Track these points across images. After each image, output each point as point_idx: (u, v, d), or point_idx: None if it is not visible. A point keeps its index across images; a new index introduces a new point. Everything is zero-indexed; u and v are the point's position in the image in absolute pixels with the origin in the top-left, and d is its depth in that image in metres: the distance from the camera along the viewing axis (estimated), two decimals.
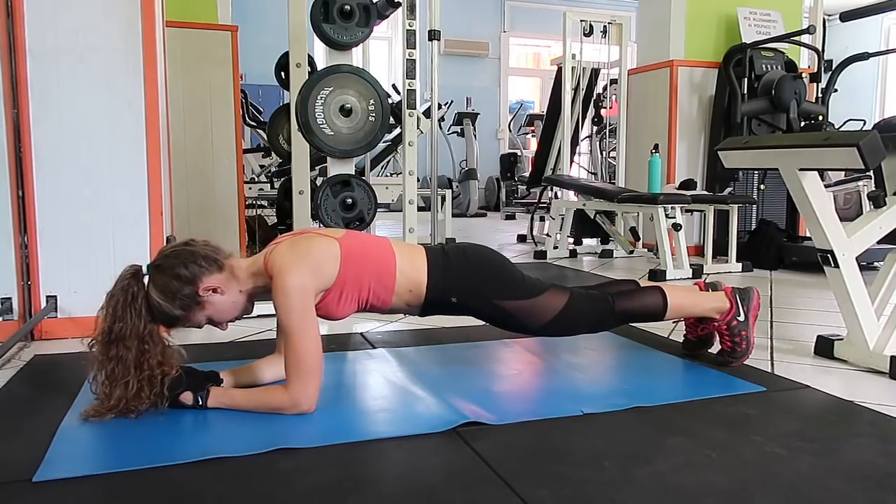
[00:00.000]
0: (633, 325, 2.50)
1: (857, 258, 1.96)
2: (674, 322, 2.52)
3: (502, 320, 1.82)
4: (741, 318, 1.92)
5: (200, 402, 1.52)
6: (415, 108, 2.88)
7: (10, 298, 2.27)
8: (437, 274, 1.72)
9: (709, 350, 2.06)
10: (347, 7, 2.72)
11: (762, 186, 4.53)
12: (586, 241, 5.31)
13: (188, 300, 1.53)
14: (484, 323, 2.57)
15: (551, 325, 1.81)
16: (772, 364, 2.03)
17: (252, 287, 1.62)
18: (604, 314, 1.87)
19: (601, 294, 1.91)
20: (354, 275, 1.63)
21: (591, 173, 6.53)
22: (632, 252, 4.70)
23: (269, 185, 5.82)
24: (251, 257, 1.65)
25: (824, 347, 2.11)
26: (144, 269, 1.54)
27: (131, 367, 1.46)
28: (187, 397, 1.51)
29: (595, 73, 5.37)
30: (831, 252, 1.95)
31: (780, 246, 4.19)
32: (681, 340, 2.15)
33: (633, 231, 4.85)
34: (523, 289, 1.80)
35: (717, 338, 1.98)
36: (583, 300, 1.85)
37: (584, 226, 4.95)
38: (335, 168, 2.82)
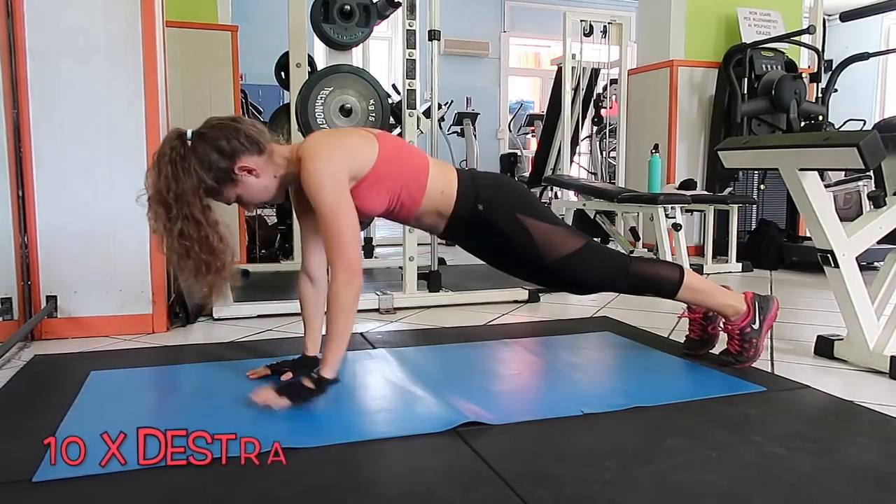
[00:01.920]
0: (633, 324, 2.50)
1: (857, 258, 1.96)
2: (678, 318, 2.52)
3: (519, 243, 1.78)
4: (755, 325, 1.91)
5: (316, 378, 1.52)
6: (415, 108, 2.88)
7: (10, 298, 2.27)
8: (466, 182, 1.75)
9: (710, 351, 2.06)
10: (347, 7, 2.72)
11: (762, 186, 4.53)
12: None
13: (222, 174, 1.53)
14: (484, 323, 2.57)
15: (563, 262, 1.78)
16: (772, 364, 2.03)
17: (285, 172, 1.62)
18: (618, 270, 1.85)
19: (619, 252, 1.95)
20: (390, 166, 1.64)
21: (591, 173, 6.53)
22: (632, 252, 4.69)
23: None
24: (289, 145, 1.66)
25: (824, 347, 2.11)
26: (189, 134, 1.53)
27: (203, 220, 1.47)
28: (308, 381, 1.51)
29: (595, 73, 5.37)
30: (831, 252, 1.94)
31: (780, 246, 4.19)
32: (681, 340, 2.15)
33: (633, 231, 4.85)
34: (546, 213, 1.82)
35: (726, 339, 1.97)
36: (600, 250, 1.87)
37: (584, 226, 4.94)
38: None
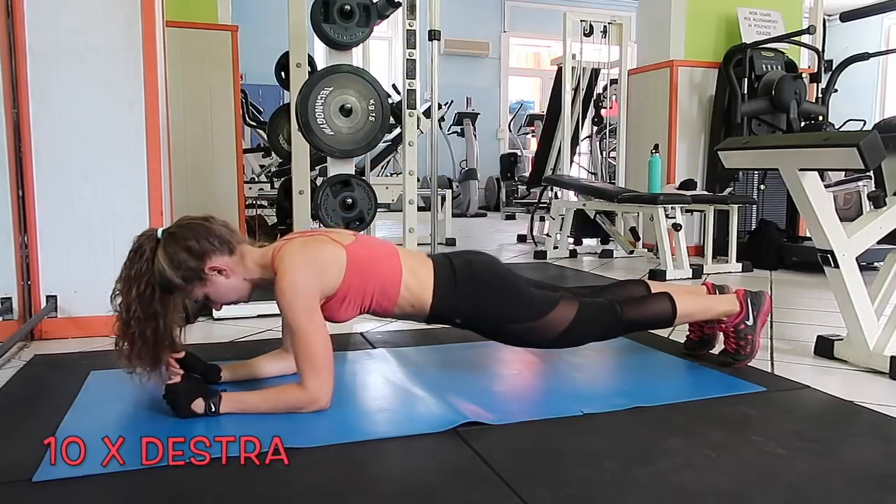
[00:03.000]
0: None
1: (857, 258, 1.96)
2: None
3: (508, 340, 1.83)
4: (749, 322, 1.91)
5: (213, 409, 1.50)
6: (415, 108, 2.88)
7: (10, 298, 2.27)
8: (442, 295, 1.70)
9: (710, 350, 2.06)
10: (347, 7, 2.71)
11: (762, 186, 4.53)
12: (586, 241, 5.31)
13: (192, 274, 1.55)
14: None
15: (557, 341, 1.80)
16: (772, 364, 2.03)
17: (257, 278, 1.64)
18: (611, 324, 1.85)
19: (609, 303, 1.86)
20: (359, 282, 1.64)
21: (591, 173, 6.53)
22: (632, 252, 4.69)
23: (269, 185, 5.82)
24: (262, 248, 1.67)
25: (824, 347, 2.11)
26: (159, 234, 1.56)
27: (128, 319, 1.52)
28: (198, 405, 1.50)
29: (595, 74, 5.37)
30: (831, 252, 1.94)
31: (780, 246, 4.18)
32: (681, 340, 2.16)
33: (633, 231, 4.85)
34: (531, 310, 1.76)
35: (723, 338, 1.97)
36: (590, 312, 1.81)
37: (584, 226, 4.95)
38: (335, 168, 2.82)
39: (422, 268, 1.72)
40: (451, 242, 5.29)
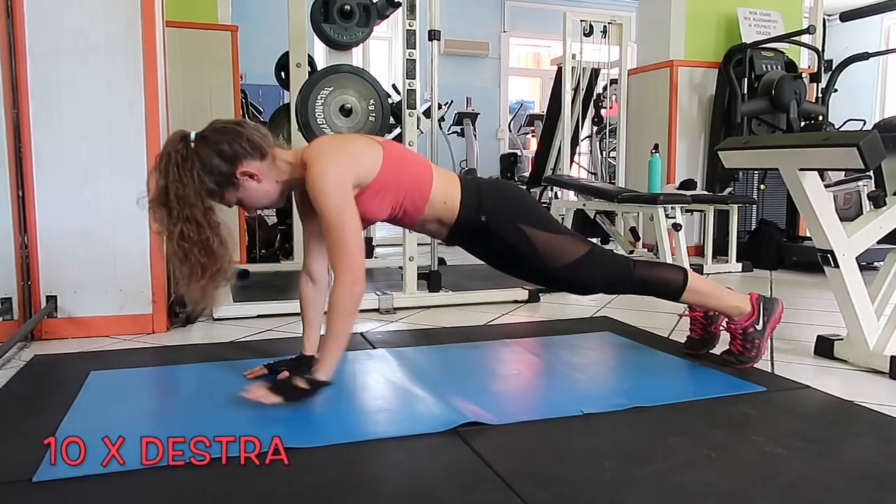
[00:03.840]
0: (634, 324, 2.50)
1: (857, 258, 1.96)
2: (678, 318, 2.52)
3: (522, 252, 1.80)
4: (759, 326, 1.91)
5: (312, 379, 1.51)
6: (415, 108, 2.88)
7: (10, 298, 2.27)
8: (470, 191, 1.76)
9: (710, 350, 2.06)
10: (347, 7, 2.72)
11: (762, 186, 4.53)
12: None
13: (224, 178, 1.54)
14: (484, 323, 2.58)
15: (567, 270, 1.80)
16: (772, 364, 2.03)
17: (289, 178, 1.63)
18: (621, 275, 1.86)
19: (622, 256, 1.93)
20: (393, 177, 1.65)
21: (591, 173, 6.53)
22: (632, 252, 4.69)
23: None
24: (294, 150, 1.66)
25: (824, 347, 2.11)
26: (192, 136, 1.54)
27: (204, 223, 1.48)
28: (302, 382, 1.50)
29: (595, 73, 5.37)
30: (831, 252, 1.94)
31: (780, 246, 4.19)
32: (681, 340, 2.16)
33: (633, 231, 4.85)
34: (549, 223, 1.83)
35: (729, 338, 1.97)
36: (602, 255, 1.87)
37: (584, 226, 4.95)
38: None
39: (450, 176, 1.79)
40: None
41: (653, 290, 1.92)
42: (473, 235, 1.81)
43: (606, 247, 4.79)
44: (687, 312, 2.06)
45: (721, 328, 2.01)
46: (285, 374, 1.72)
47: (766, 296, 1.96)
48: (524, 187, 6.79)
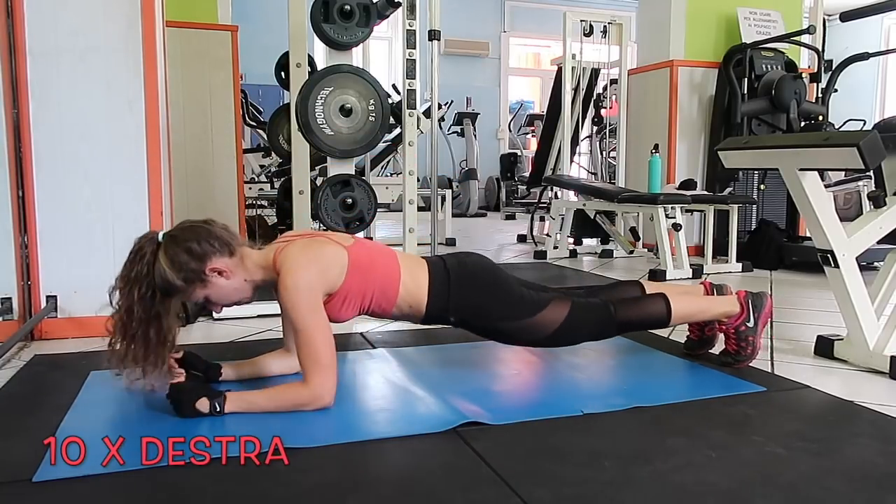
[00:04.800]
0: None
1: (857, 258, 1.96)
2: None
3: (501, 338, 1.85)
4: (750, 323, 1.91)
5: (218, 409, 1.50)
6: (415, 108, 2.88)
7: (10, 298, 2.27)
8: (437, 294, 1.73)
9: (710, 350, 2.06)
10: (347, 7, 2.71)
11: (762, 186, 4.53)
12: (586, 241, 5.31)
13: (193, 275, 1.56)
14: None
15: (550, 340, 1.82)
16: (772, 364, 2.03)
17: (258, 279, 1.65)
18: (604, 325, 1.86)
19: (602, 303, 1.88)
20: (359, 283, 1.65)
21: (591, 173, 6.53)
22: (632, 252, 4.70)
23: (269, 185, 5.82)
24: (262, 250, 1.68)
25: (824, 347, 2.11)
26: (160, 237, 1.57)
27: (127, 321, 1.53)
28: (203, 404, 1.50)
29: (595, 73, 5.37)
30: (831, 252, 1.94)
31: (780, 246, 4.18)
32: (681, 340, 2.16)
33: (633, 231, 4.85)
34: (522, 309, 1.78)
35: (724, 339, 1.97)
36: (583, 312, 1.83)
37: (584, 226, 4.95)
38: (335, 168, 2.82)
39: (418, 269, 1.75)
40: (451, 242, 5.29)
41: (639, 327, 1.95)
42: (448, 324, 1.81)
43: (606, 246, 4.81)
44: None
45: (716, 329, 2.01)
46: (181, 379, 1.66)
47: (754, 292, 1.96)
48: (525, 187, 6.81)
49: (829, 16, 6.17)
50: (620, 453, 1.34)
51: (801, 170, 1.93)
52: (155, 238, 1.57)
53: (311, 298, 1.56)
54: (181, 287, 1.56)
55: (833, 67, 4.50)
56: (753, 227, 4.53)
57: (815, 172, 1.97)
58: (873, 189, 2.20)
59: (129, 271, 1.55)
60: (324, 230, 2.52)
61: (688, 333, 2.10)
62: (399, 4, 2.81)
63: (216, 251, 1.57)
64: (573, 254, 4.74)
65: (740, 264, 4.03)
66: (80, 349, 2.16)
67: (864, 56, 4.29)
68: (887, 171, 2.06)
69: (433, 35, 2.88)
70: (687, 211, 4.13)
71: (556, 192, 5.13)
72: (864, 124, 6.96)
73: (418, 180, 3.16)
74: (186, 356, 1.71)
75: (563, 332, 1.80)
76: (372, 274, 1.68)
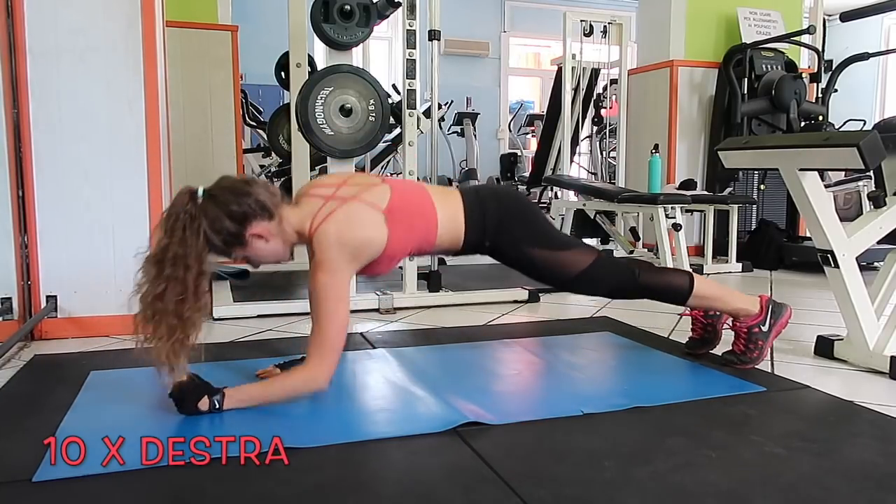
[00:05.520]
0: (634, 324, 2.50)
1: (857, 258, 1.96)
2: (678, 318, 2.52)
3: (528, 267, 1.87)
4: (765, 328, 1.91)
5: (217, 406, 1.50)
6: (415, 108, 2.88)
7: (10, 298, 2.27)
8: (473, 218, 1.77)
9: (711, 350, 2.06)
10: (347, 7, 2.72)
11: (762, 186, 4.53)
12: (586, 241, 5.30)
13: (232, 238, 1.54)
14: (484, 323, 2.58)
15: (574, 281, 1.86)
16: (772, 364, 2.03)
17: (295, 241, 1.65)
18: (626, 281, 1.90)
19: (628, 263, 1.97)
20: (401, 241, 1.68)
21: (591, 173, 6.53)
22: (632, 252, 4.69)
23: None
24: (300, 210, 1.63)
25: (824, 347, 2.11)
26: (200, 192, 1.51)
27: (191, 288, 1.44)
28: (204, 403, 1.50)
29: (595, 73, 5.37)
30: (831, 252, 1.94)
31: (780, 246, 4.18)
32: (681, 340, 2.16)
33: (633, 231, 4.85)
34: (553, 240, 1.86)
35: (733, 337, 1.97)
36: (608, 264, 1.92)
37: (584, 226, 4.94)
38: (335, 168, 2.82)
39: (453, 202, 1.78)
40: None
41: (658, 295, 1.95)
42: (483, 252, 1.87)
43: (606, 246, 4.81)
44: (687, 312, 2.06)
45: (725, 326, 2.01)
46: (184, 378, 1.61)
47: (777, 301, 1.96)
48: (525, 188, 6.84)
49: (829, 16, 6.17)
50: (620, 453, 1.34)
51: (801, 170, 1.93)
52: (196, 194, 1.51)
53: (339, 289, 1.57)
54: (220, 248, 1.55)
55: (833, 67, 4.50)
56: (753, 227, 4.53)
57: (815, 172, 1.97)
58: (873, 189, 2.20)
59: (177, 225, 1.47)
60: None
61: (690, 332, 2.10)
62: (399, 4, 2.81)
63: (256, 215, 1.54)
64: None
65: (740, 264, 4.03)
66: (80, 349, 2.16)
67: (864, 56, 4.29)
68: (887, 171, 2.06)
69: (433, 35, 2.88)
70: (687, 211, 4.13)
71: (556, 192, 5.13)
72: (864, 124, 6.96)
73: (418, 180, 3.16)
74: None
75: (587, 278, 1.84)
76: (413, 229, 1.70)
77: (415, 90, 2.86)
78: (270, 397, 1.55)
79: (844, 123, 6.75)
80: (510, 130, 10.11)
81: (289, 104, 3.85)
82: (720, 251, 4.19)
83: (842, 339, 2.07)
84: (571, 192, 4.85)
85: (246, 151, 5.93)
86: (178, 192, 1.53)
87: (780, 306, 1.95)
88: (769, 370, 1.96)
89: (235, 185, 1.56)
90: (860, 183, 5.65)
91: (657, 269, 1.98)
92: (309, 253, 1.63)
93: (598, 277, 1.87)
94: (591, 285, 1.91)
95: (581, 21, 5.00)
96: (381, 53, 9.36)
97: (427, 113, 3.07)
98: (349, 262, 1.60)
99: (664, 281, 1.92)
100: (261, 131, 6.79)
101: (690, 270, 1.97)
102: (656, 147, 4.47)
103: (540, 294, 3.02)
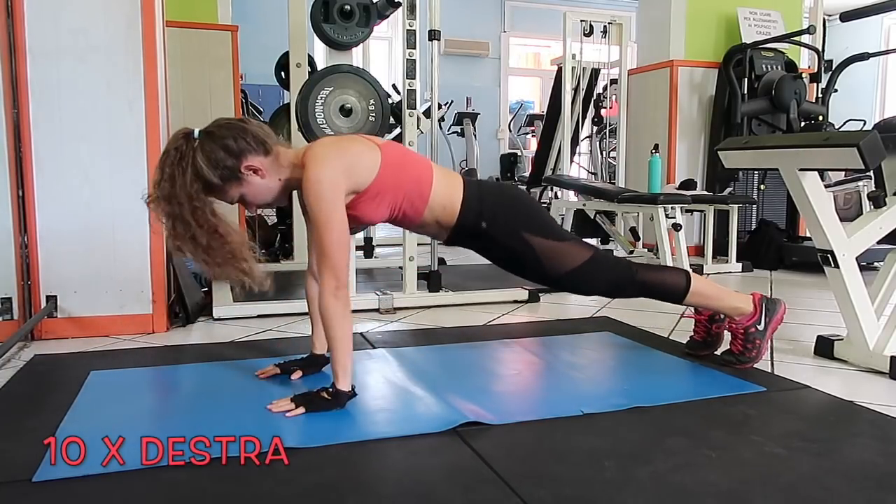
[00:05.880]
0: (634, 324, 2.50)
1: (857, 258, 1.96)
2: (678, 318, 2.52)
3: (524, 258, 1.81)
4: (760, 326, 1.91)
5: (337, 396, 1.54)
6: (415, 108, 2.88)
7: (10, 298, 2.27)
8: (471, 196, 1.75)
9: (712, 353, 2.05)
10: (347, 7, 2.72)
11: (762, 186, 4.53)
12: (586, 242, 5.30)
13: (228, 172, 1.55)
14: (484, 323, 2.58)
15: (569, 275, 1.81)
16: (772, 364, 2.03)
17: (290, 176, 1.64)
18: (623, 279, 1.88)
19: (625, 261, 1.95)
20: (393, 179, 1.66)
21: (591, 173, 6.53)
22: (632, 252, 4.69)
23: None
24: (297, 149, 1.67)
25: (824, 347, 2.11)
26: (196, 133, 1.55)
27: (191, 222, 1.49)
28: (324, 395, 1.53)
29: (595, 73, 5.37)
30: (831, 252, 1.94)
31: (780, 246, 4.19)
32: (681, 340, 2.16)
33: (633, 231, 4.85)
34: (553, 231, 1.83)
35: (730, 338, 1.97)
36: (605, 260, 1.89)
37: (584, 226, 4.94)
38: None
39: (451, 175, 1.79)
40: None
41: (655, 293, 1.93)
42: (474, 239, 1.81)
43: (606, 246, 4.81)
44: (692, 314, 2.06)
45: (724, 328, 2.01)
46: (298, 373, 1.78)
47: (769, 297, 1.96)
48: (525, 188, 6.84)
49: (829, 16, 6.17)
50: (620, 453, 1.34)
51: (801, 170, 1.93)
52: (191, 134, 1.55)
53: (331, 192, 1.55)
54: (217, 185, 1.55)
55: (833, 67, 4.50)
56: (753, 227, 4.53)
57: (815, 172, 1.97)
58: (873, 189, 2.20)
59: (167, 164, 1.52)
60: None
61: (692, 333, 2.10)
62: (399, 4, 2.81)
63: (252, 149, 1.57)
64: None
65: (740, 264, 4.03)
66: (80, 349, 2.16)
67: (864, 56, 4.29)
68: (887, 171, 2.06)
69: (433, 35, 2.88)
70: (687, 211, 4.13)
71: (556, 192, 5.13)
72: (864, 124, 6.96)
73: None
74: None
75: (583, 272, 1.81)
76: (406, 171, 1.69)
77: (415, 90, 2.86)
78: (342, 341, 1.56)
79: (844, 123, 6.75)
80: (510, 130, 10.11)
81: (289, 104, 3.85)
82: (720, 251, 4.19)
83: (842, 339, 2.07)
84: (571, 192, 4.85)
85: None
86: (175, 132, 1.57)
87: (774, 302, 1.95)
88: (769, 370, 1.96)
89: (231, 122, 1.61)
90: (860, 183, 5.65)
91: (654, 267, 1.97)
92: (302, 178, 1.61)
93: (596, 273, 1.84)
94: (588, 282, 1.86)
95: (581, 21, 5.00)
96: (381, 53, 9.36)
97: (427, 113, 3.07)
98: (341, 172, 1.58)
99: (661, 279, 1.91)
100: None
101: (688, 269, 1.96)
102: (656, 147, 4.47)
103: (540, 294, 3.02)
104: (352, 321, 1.60)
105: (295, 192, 1.73)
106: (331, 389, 1.54)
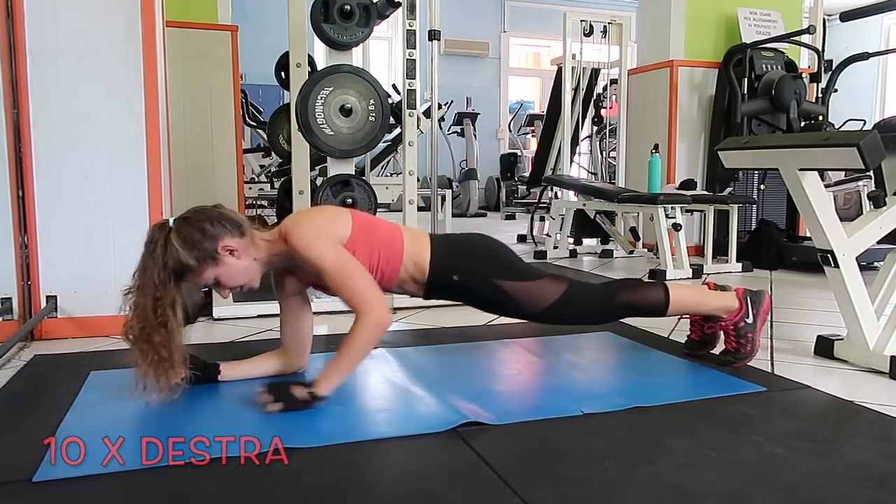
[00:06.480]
0: (634, 324, 2.50)
1: (857, 258, 1.96)
2: (678, 318, 2.52)
3: (501, 302, 1.85)
4: (749, 319, 1.92)
5: (315, 394, 1.54)
6: (415, 108, 2.88)
7: (10, 298, 2.27)
8: (439, 251, 1.80)
9: (711, 351, 2.06)
10: (347, 7, 2.72)
11: (762, 186, 4.53)
12: (586, 241, 5.31)
13: (205, 254, 1.58)
14: (484, 322, 2.58)
15: (549, 312, 1.84)
16: (772, 364, 2.03)
17: (267, 256, 1.68)
18: (603, 305, 1.90)
19: (602, 286, 1.95)
20: (365, 239, 1.71)
21: (591, 173, 6.53)
22: (632, 252, 4.70)
23: (269, 185, 5.82)
24: (270, 231, 1.73)
25: (824, 347, 2.11)
26: (171, 222, 1.59)
27: (149, 313, 1.51)
28: (300, 391, 1.53)
29: (595, 73, 5.37)
30: (831, 252, 1.94)
31: (780, 246, 4.18)
32: (681, 340, 2.16)
33: (633, 231, 4.85)
34: (522, 271, 1.86)
35: (723, 337, 1.98)
36: (581, 290, 1.89)
37: (584, 226, 4.95)
38: (335, 168, 2.82)
39: (419, 235, 1.85)
40: None
41: (638, 311, 1.96)
42: (450, 291, 1.85)
43: (606, 246, 4.81)
44: (688, 314, 2.06)
45: (717, 329, 2.01)
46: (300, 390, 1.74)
47: (752, 289, 1.97)
48: (524, 189, 6.84)
49: (829, 16, 6.17)
50: (620, 453, 1.34)
51: (801, 170, 1.93)
52: (166, 224, 1.59)
53: (326, 239, 1.61)
54: (193, 266, 1.57)
55: (833, 67, 4.50)
56: (753, 227, 4.53)
57: (815, 172, 1.97)
58: (873, 189, 2.20)
59: (142, 256, 1.56)
60: None
61: (688, 333, 2.10)
62: (399, 4, 2.81)
63: (227, 231, 1.61)
64: (573, 254, 4.74)
65: (740, 264, 4.03)
66: (80, 349, 2.17)
67: (864, 56, 4.29)
68: (887, 171, 2.06)
69: (433, 35, 2.88)
70: (687, 211, 4.13)
71: (556, 192, 5.13)
72: (864, 124, 6.96)
73: (418, 180, 3.16)
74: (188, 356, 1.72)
75: (561, 306, 1.84)
76: (375, 230, 1.75)
77: (415, 90, 2.86)
78: (353, 363, 1.60)
79: (844, 123, 6.75)
80: (510, 130, 10.11)
81: (289, 104, 3.84)
82: (720, 251, 4.19)
83: (842, 339, 2.07)
84: (571, 192, 4.85)
85: (246, 151, 5.94)
86: (151, 228, 1.61)
87: (758, 294, 1.96)
88: (769, 370, 1.96)
89: (205, 207, 1.66)
90: (860, 183, 5.66)
91: (631, 286, 1.97)
92: (289, 242, 1.64)
93: (574, 305, 1.86)
94: (569, 313, 1.89)
95: (581, 21, 5.01)
96: (381, 53, 9.36)
97: (427, 113, 3.07)
98: (325, 224, 1.66)
99: (640, 297, 1.92)
100: (261, 131, 6.81)
101: (664, 282, 1.96)
102: (656, 147, 4.48)
103: None
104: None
105: (271, 273, 1.77)
106: (314, 391, 1.54)
